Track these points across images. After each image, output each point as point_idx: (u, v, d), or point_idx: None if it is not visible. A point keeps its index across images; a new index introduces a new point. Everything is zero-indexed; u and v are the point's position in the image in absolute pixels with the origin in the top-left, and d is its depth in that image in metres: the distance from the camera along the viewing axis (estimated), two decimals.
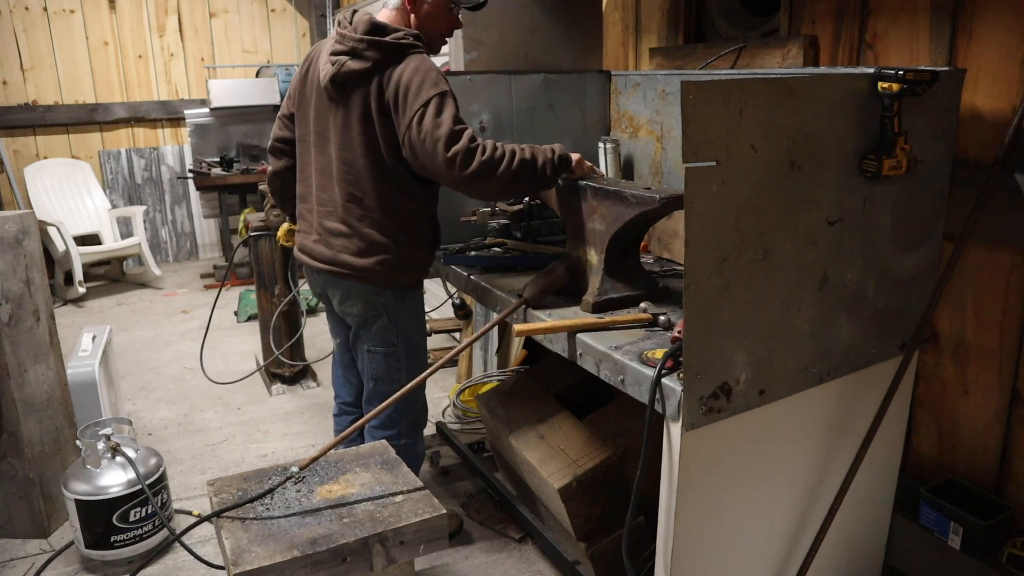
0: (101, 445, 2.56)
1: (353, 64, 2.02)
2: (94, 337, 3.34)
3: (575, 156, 2.12)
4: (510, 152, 1.97)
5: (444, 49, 2.30)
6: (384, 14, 2.14)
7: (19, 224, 2.63)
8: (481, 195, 2.14)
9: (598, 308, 1.98)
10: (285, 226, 2.81)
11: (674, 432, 1.57)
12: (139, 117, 6.53)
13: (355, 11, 2.15)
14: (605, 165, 2.73)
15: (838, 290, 1.70)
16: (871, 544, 2.16)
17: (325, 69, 2.09)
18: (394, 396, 1.94)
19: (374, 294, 2.21)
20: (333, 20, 6.28)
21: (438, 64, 2.07)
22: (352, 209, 2.13)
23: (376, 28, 2.04)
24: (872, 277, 1.77)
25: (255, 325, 4.44)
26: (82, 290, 5.53)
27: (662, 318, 1.88)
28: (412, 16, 2.12)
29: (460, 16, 2.21)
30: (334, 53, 2.07)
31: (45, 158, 6.22)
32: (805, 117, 1.53)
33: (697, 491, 1.64)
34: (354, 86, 2.05)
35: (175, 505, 2.88)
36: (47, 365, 2.76)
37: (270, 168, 2.47)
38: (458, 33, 2.70)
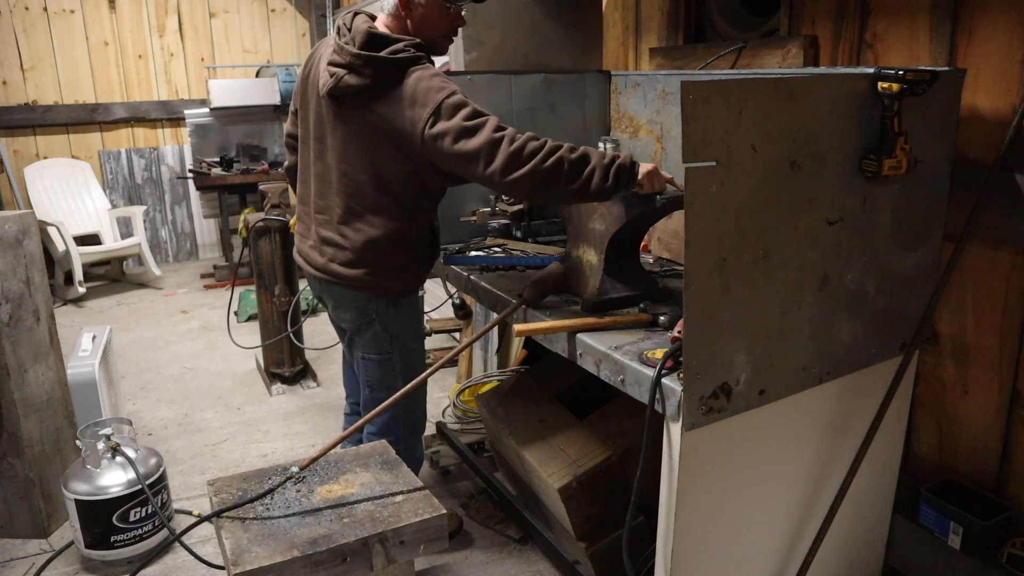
0: (101, 445, 2.56)
1: (351, 80, 1.94)
2: (94, 337, 3.34)
3: (645, 167, 1.86)
4: (548, 148, 1.80)
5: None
6: (381, 20, 2.07)
7: (19, 224, 2.63)
8: (516, 194, 1.96)
9: (598, 308, 1.98)
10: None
11: (674, 432, 1.57)
12: (139, 117, 6.53)
13: (355, 14, 2.07)
14: None
15: (838, 290, 1.70)
16: (871, 544, 2.16)
17: (323, 78, 2.01)
18: (392, 398, 1.93)
19: (366, 301, 2.18)
20: (333, 20, 6.27)
21: (438, 64, 2.05)
22: (350, 221, 2.09)
23: (372, 41, 1.94)
24: (872, 277, 1.77)
25: (255, 325, 4.44)
26: (82, 290, 5.53)
27: (662, 318, 1.88)
28: (408, 21, 2.03)
29: (464, 14, 2.13)
30: (332, 63, 1.99)
31: (45, 158, 6.22)
32: (805, 117, 1.53)
33: (697, 491, 1.64)
34: (354, 101, 1.98)
35: (175, 505, 2.88)
36: (47, 365, 2.76)
37: (286, 163, 2.49)
38: (458, 32, 2.69)
